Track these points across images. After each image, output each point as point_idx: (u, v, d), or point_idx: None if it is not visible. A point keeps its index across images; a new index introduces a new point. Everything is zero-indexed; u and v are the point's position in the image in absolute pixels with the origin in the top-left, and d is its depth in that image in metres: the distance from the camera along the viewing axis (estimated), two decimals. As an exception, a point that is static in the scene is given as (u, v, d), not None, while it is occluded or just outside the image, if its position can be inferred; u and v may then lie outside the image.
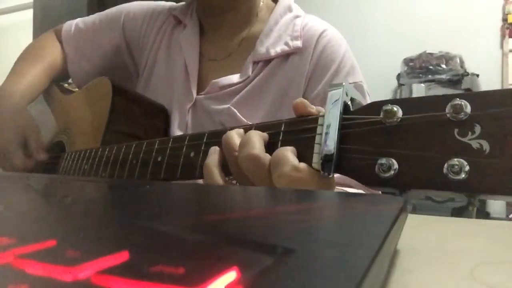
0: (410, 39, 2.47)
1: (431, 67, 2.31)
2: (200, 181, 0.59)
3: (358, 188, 0.55)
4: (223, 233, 0.15)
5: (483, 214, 1.98)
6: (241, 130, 0.34)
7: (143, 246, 0.12)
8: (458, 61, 2.26)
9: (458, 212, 1.93)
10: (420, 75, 2.33)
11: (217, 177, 0.33)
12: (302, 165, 0.29)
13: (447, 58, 2.29)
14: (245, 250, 0.12)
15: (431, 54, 2.33)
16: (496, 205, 1.98)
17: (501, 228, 0.31)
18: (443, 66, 2.28)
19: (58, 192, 0.31)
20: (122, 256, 0.11)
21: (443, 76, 2.26)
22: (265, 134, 0.32)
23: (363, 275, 0.10)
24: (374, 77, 2.30)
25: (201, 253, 0.12)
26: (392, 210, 0.18)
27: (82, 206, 0.22)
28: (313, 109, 0.32)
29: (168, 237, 0.14)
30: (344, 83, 0.30)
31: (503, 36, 2.38)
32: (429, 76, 2.30)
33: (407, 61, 2.40)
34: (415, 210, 1.95)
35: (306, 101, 0.32)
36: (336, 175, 0.53)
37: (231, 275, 0.10)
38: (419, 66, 2.35)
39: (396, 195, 0.26)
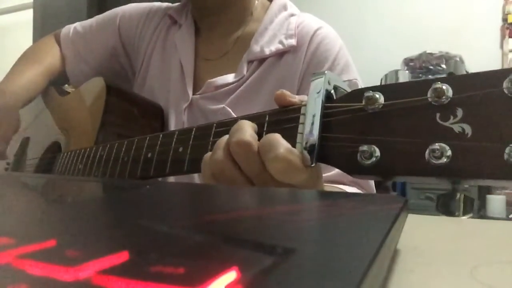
0: (410, 39, 2.47)
1: (431, 67, 2.30)
2: (196, 179, 0.60)
3: (351, 185, 0.55)
4: (223, 233, 0.15)
5: (483, 214, 1.98)
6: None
7: (143, 246, 0.12)
8: (458, 60, 2.26)
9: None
10: (420, 75, 2.32)
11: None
12: (294, 149, 0.29)
13: (447, 58, 2.28)
14: (245, 250, 0.12)
15: (431, 54, 2.33)
16: (496, 205, 1.97)
17: (501, 228, 0.31)
18: (443, 66, 2.27)
19: (58, 192, 0.31)
20: (122, 256, 0.11)
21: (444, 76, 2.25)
22: (254, 124, 0.32)
23: (363, 275, 0.10)
24: (374, 77, 2.31)
25: (201, 253, 0.12)
26: (392, 210, 0.18)
27: (82, 206, 0.22)
28: (295, 98, 0.32)
29: (168, 237, 0.14)
30: (326, 72, 0.30)
31: (503, 36, 2.38)
32: (429, 76, 2.29)
33: (407, 61, 2.40)
34: (415, 210, 1.95)
35: (286, 91, 0.32)
36: (331, 173, 0.53)
37: (231, 275, 0.10)
38: (419, 66, 2.34)
39: (382, 184, 0.26)
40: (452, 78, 0.24)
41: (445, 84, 0.23)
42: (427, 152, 0.23)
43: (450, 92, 0.23)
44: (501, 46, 2.38)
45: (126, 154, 0.45)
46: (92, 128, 0.60)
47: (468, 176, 0.22)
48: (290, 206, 0.21)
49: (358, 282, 0.10)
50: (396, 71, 2.30)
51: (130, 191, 0.28)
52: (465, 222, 0.35)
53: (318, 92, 0.29)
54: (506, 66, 2.34)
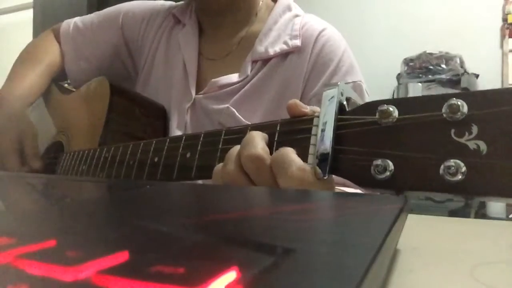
0: (410, 39, 2.47)
1: (431, 67, 2.30)
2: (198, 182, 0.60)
3: (355, 188, 0.55)
4: (223, 233, 0.15)
5: (481, 215, 1.98)
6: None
7: (143, 246, 0.12)
8: (458, 61, 2.26)
9: (455, 214, 1.93)
10: (420, 75, 2.32)
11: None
12: (306, 164, 0.29)
13: (447, 58, 2.28)
14: (245, 250, 0.12)
15: (431, 54, 2.33)
16: (496, 205, 1.97)
17: (501, 228, 0.31)
18: (443, 66, 2.27)
19: (58, 192, 0.31)
20: (122, 256, 0.11)
21: (443, 76, 2.25)
22: (265, 135, 0.32)
23: (363, 275, 0.10)
24: (374, 77, 2.30)
25: (201, 253, 0.12)
26: (392, 210, 0.18)
27: (82, 206, 0.22)
28: (307, 109, 0.32)
29: (168, 237, 0.14)
30: (339, 83, 0.30)
31: (503, 36, 2.38)
32: (429, 76, 2.29)
33: (407, 61, 2.40)
34: (415, 210, 1.94)
35: (299, 101, 0.32)
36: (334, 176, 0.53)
37: (231, 275, 0.10)
38: (419, 66, 2.34)
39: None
40: (467, 94, 0.23)
41: (460, 100, 0.23)
42: (441, 168, 0.23)
43: (465, 108, 0.23)
44: (501, 46, 2.38)
45: (132, 158, 0.44)
46: (95, 128, 0.60)
47: (483, 194, 0.22)
48: (290, 206, 0.21)
49: (358, 282, 0.10)
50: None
51: (130, 191, 0.28)
52: (465, 222, 0.35)
53: (331, 104, 0.29)
54: (506, 66, 2.34)
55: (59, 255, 0.11)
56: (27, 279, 0.10)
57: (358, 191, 0.55)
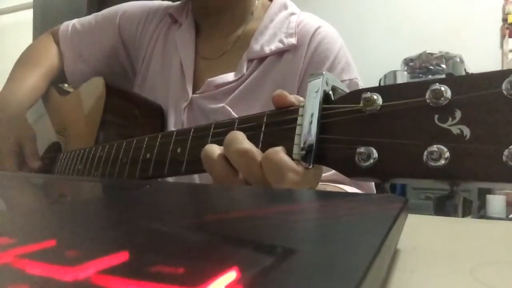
0: (410, 39, 2.47)
1: (431, 67, 2.30)
2: (196, 179, 0.60)
3: (351, 185, 0.55)
4: (223, 233, 0.15)
5: (483, 214, 1.98)
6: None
7: (143, 246, 0.12)
8: (458, 61, 2.26)
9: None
10: (420, 75, 2.32)
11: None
12: (298, 167, 0.29)
13: (447, 58, 2.28)
14: (245, 250, 0.12)
15: (431, 54, 2.33)
16: (496, 205, 1.97)
17: (501, 228, 0.31)
18: (443, 66, 2.27)
19: (58, 192, 0.31)
20: (122, 256, 0.11)
21: (443, 76, 2.25)
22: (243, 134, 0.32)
23: (363, 275, 0.10)
24: (374, 77, 2.30)
25: (201, 253, 0.12)
26: (392, 210, 0.18)
27: (82, 206, 0.22)
28: (292, 98, 0.32)
29: (168, 237, 0.14)
30: (324, 72, 0.30)
31: (503, 36, 2.38)
32: (429, 76, 2.29)
33: (407, 61, 2.40)
34: (415, 210, 1.95)
35: (285, 92, 0.32)
36: (330, 173, 0.53)
37: (231, 275, 0.10)
38: (419, 66, 2.34)
39: (381, 185, 0.26)
40: (450, 79, 0.23)
41: (443, 85, 0.23)
42: (425, 154, 0.23)
43: (448, 94, 0.23)
44: (501, 46, 2.38)
45: (125, 155, 0.45)
46: (92, 128, 0.60)
47: (466, 178, 0.22)
48: (290, 206, 0.21)
49: (358, 282, 0.10)
50: (395, 72, 2.30)
51: (130, 191, 0.28)
52: (465, 222, 0.35)
53: (316, 93, 0.29)
54: (506, 66, 2.34)
55: (59, 255, 0.11)
56: (27, 279, 0.10)
57: (353, 189, 0.55)
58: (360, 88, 0.60)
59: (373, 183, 0.59)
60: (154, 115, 0.65)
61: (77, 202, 0.25)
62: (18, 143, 0.64)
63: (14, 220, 0.18)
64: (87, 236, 0.14)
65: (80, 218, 0.18)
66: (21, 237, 0.13)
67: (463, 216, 1.86)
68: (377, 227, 0.15)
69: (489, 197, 1.93)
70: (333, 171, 0.28)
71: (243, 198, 0.24)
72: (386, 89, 0.26)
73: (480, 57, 2.31)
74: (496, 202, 1.91)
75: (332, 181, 0.53)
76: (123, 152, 0.45)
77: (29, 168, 0.64)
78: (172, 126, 0.63)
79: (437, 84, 0.23)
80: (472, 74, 0.23)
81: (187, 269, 0.10)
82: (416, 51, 2.37)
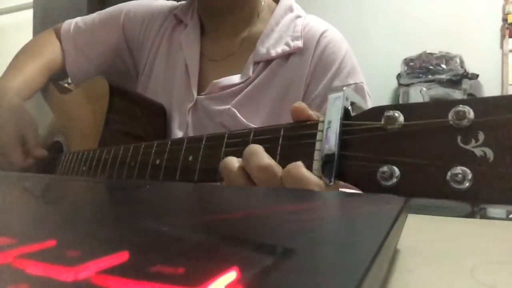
0: (410, 39, 2.46)
1: (431, 67, 2.30)
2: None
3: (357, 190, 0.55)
4: (223, 233, 0.15)
5: (483, 214, 1.98)
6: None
7: (143, 246, 0.12)
8: (458, 61, 2.26)
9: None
10: (420, 75, 2.32)
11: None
12: (319, 180, 0.28)
13: (447, 58, 2.28)
14: (245, 250, 0.12)
15: (431, 54, 2.32)
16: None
17: (501, 228, 0.31)
18: (443, 66, 2.27)
19: (58, 192, 0.31)
20: (122, 256, 0.11)
21: (443, 76, 2.25)
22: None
23: (363, 275, 0.10)
24: (374, 77, 2.30)
25: (201, 253, 0.12)
26: (392, 210, 0.18)
27: (82, 206, 0.22)
28: (311, 112, 0.31)
29: (168, 237, 0.14)
30: (344, 88, 0.30)
31: (503, 36, 2.38)
32: (429, 76, 2.29)
33: (407, 61, 2.40)
34: (415, 210, 1.94)
35: (304, 104, 0.32)
36: None
37: (231, 275, 0.10)
38: (419, 66, 2.34)
39: None
40: (473, 101, 0.23)
41: (466, 106, 0.23)
42: (448, 175, 0.23)
43: (471, 115, 0.23)
44: (501, 46, 2.38)
45: (133, 159, 0.44)
46: (94, 128, 0.60)
47: (489, 201, 0.22)
48: (290, 206, 0.21)
49: (358, 282, 0.10)
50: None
51: (130, 191, 0.28)
52: (465, 222, 0.35)
53: (336, 109, 0.29)
54: (506, 66, 2.34)
55: (59, 255, 0.11)
56: (27, 279, 0.10)
57: (359, 191, 0.55)
58: (367, 92, 0.60)
59: None
60: (157, 115, 0.64)
61: (77, 202, 0.25)
62: (20, 133, 0.64)
63: (14, 220, 0.18)
64: (87, 236, 0.14)
65: (80, 218, 0.18)
66: (21, 237, 0.13)
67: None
68: (377, 227, 0.15)
69: (489, 197, 1.92)
70: None
71: (243, 198, 0.24)
72: (408, 108, 0.26)
73: (480, 57, 2.31)
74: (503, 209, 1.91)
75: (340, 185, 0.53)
76: (131, 157, 0.45)
77: (34, 157, 0.64)
78: (176, 127, 0.63)
79: (460, 105, 0.23)
80: (495, 96, 0.23)
81: (187, 269, 0.10)
82: (416, 51, 2.37)
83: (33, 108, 0.75)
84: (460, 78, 2.21)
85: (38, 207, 0.23)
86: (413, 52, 2.38)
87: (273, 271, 0.10)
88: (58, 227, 0.17)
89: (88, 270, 0.10)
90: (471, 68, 2.25)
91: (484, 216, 1.90)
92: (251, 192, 0.27)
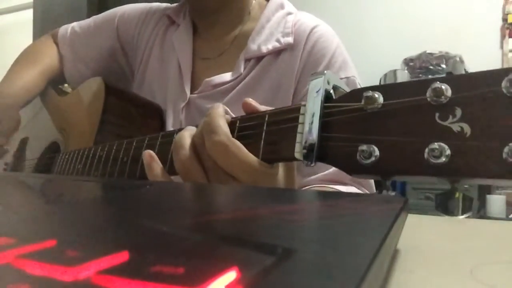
0: (410, 39, 2.46)
1: (431, 67, 2.30)
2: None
3: (352, 184, 0.55)
4: (223, 233, 0.15)
5: (483, 214, 1.98)
6: (192, 130, 0.36)
7: (143, 246, 0.12)
8: (458, 60, 2.26)
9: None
10: (420, 75, 2.32)
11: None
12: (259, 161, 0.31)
13: (447, 58, 2.28)
14: (245, 250, 0.12)
15: (431, 54, 2.33)
16: (496, 205, 1.97)
17: (501, 228, 0.31)
18: (443, 66, 2.27)
19: (58, 192, 0.31)
20: (122, 256, 0.11)
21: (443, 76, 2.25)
22: (228, 117, 0.35)
23: (363, 275, 0.10)
24: (374, 77, 2.30)
25: (201, 253, 0.12)
26: (392, 210, 0.18)
27: (82, 206, 0.22)
28: (261, 108, 0.34)
29: (168, 237, 0.14)
30: (325, 71, 0.30)
31: (503, 36, 2.38)
32: (429, 76, 2.29)
33: (407, 61, 2.40)
34: (415, 210, 1.95)
35: (252, 100, 0.35)
36: (330, 171, 0.54)
37: (231, 275, 0.10)
38: (419, 66, 2.34)
39: (381, 182, 0.26)
40: (451, 78, 0.24)
41: (444, 84, 0.23)
42: (426, 151, 0.23)
43: (449, 92, 0.23)
44: (501, 46, 2.38)
45: (126, 154, 0.45)
46: (90, 128, 0.60)
47: (467, 175, 0.22)
48: (290, 206, 0.21)
49: (358, 282, 0.10)
50: (395, 71, 2.31)
51: (130, 191, 0.28)
52: (465, 222, 0.35)
53: (317, 92, 0.29)
54: (506, 66, 2.34)
55: (59, 255, 0.11)
56: (27, 279, 0.10)
57: (353, 188, 0.55)
58: (358, 85, 0.61)
59: (373, 183, 0.59)
60: (153, 115, 0.65)
61: (77, 202, 0.25)
62: None
63: (14, 220, 0.18)
64: (87, 236, 0.14)
65: (80, 218, 0.18)
66: (21, 237, 0.13)
67: (463, 213, 1.86)
68: (377, 227, 0.15)
69: (489, 197, 1.92)
70: (333, 169, 0.28)
71: (243, 198, 0.24)
72: (387, 88, 0.26)
73: (480, 57, 2.31)
74: (496, 202, 1.91)
75: (331, 180, 0.53)
76: (124, 152, 0.45)
77: None
78: (170, 126, 0.64)
79: (438, 82, 0.24)
80: (472, 72, 0.23)
81: (187, 269, 0.10)
82: (416, 51, 2.37)
83: (30, 110, 0.75)
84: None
85: (38, 207, 0.23)
86: (413, 52, 2.38)
87: (273, 271, 0.10)
88: (58, 227, 0.17)
89: (88, 270, 0.10)
90: (471, 68, 2.25)
91: (484, 216, 1.90)
92: (251, 192, 0.27)
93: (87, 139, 0.59)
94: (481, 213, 1.95)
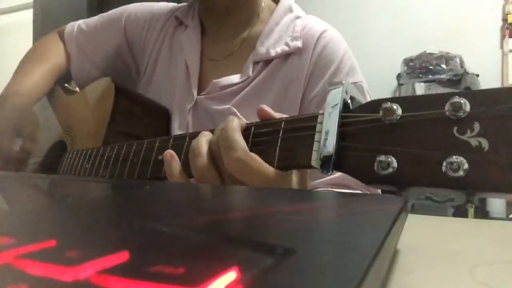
0: (410, 39, 2.47)
1: (431, 67, 2.30)
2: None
3: (358, 189, 0.55)
4: (223, 233, 0.15)
5: (483, 213, 1.98)
6: (209, 136, 0.36)
7: (143, 246, 0.12)
8: (458, 61, 2.26)
9: (458, 211, 1.93)
10: (420, 75, 2.32)
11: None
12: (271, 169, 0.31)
13: (447, 58, 2.28)
14: (245, 250, 0.12)
15: (431, 54, 2.33)
16: (496, 205, 1.97)
17: (501, 228, 0.31)
18: (443, 66, 2.27)
19: (59, 192, 0.31)
20: (122, 256, 0.11)
21: (443, 76, 2.26)
22: (243, 123, 0.35)
23: (363, 275, 0.10)
24: (374, 77, 2.30)
25: (201, 253, 0.12)
26: (392, 210, 0.18)
27: (82, 206, 0.22)
28: (275, 115, 0.35)
29: (168, 237, 0.14)
30: (344, 81, 0.30)
31: (503, 36, 2.38)
32: (429, 76, 2.29)
33: (407, 61, 2.40)
34: (415, 210, 1.95)
35: (267, 107, 0.35)
36: (336, 175, 0.54)
37: (231, 275, 0.10)
38: (419, 66, 2.34)
39: (396, 193, 0.26)
40: (469, 93, 0.24)
41: (462, 98, 0.24)
42: (444, 164, 0.23)
43: (467, 107, 0.23)
44: (501, 46, 2.38)
45: (136, 156, 0.45)
46: (99, 128, 0.60)
47: (484, 189, 0.23)
48: (290, 206, 0.21)
49: (358, 282, 0.10)
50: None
51: (130, 191, 0.28)
52: (465, 222, 0.35)
53: (336, 101, 0.29)
54: (506, 66, 2.34)
55: (59, 255, 0.11)
56: (27, 279, 0.10)
57: (359, 192, 0.55)
58: (366, 91, 0.61)
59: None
60: (160, 116, 0.65)
61: (77, 202, 0.25)
62: (18, 128, 0.65)
63: (14, 220, 0.18)
64: (87, 236, 0.14)
65: (80, 218, 0.18)
66: (21, 237, 0.13)
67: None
68: (377, 227, 0.15)
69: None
70: (339, 173, 0.28)
71: (243, 198, 0.24)
72: (406, 100, 0.26)
73: (480, 57, 2.31)
74: (496, 202, 1.91)
75: (337, 184, 0.53)
76: (134, 153, 0.45)
77: (24, 151, 0.65)
78: (177, 127, 0.63)
79: (457, 97, 0.24)
80: (491, 88, 0.24)
81: (187, 269, 0.10)
82: (416, 51, 2.37)
83: (38, 109, 0.75)
84: (460, 78, 2.21)
85: (38, 207, 0.23)
86: (413, 52, 2.38)
87: (273, 271, 0.10)
88: (58, 227, 0.17)
89: (88, 270, 0.10)
90: (471, 68, 2.25)
91: (484, 216, 1.90)
92: (251, 192, 0.27)
93: (94, 139, 0.60)
94: (481, 212, 1.95)
